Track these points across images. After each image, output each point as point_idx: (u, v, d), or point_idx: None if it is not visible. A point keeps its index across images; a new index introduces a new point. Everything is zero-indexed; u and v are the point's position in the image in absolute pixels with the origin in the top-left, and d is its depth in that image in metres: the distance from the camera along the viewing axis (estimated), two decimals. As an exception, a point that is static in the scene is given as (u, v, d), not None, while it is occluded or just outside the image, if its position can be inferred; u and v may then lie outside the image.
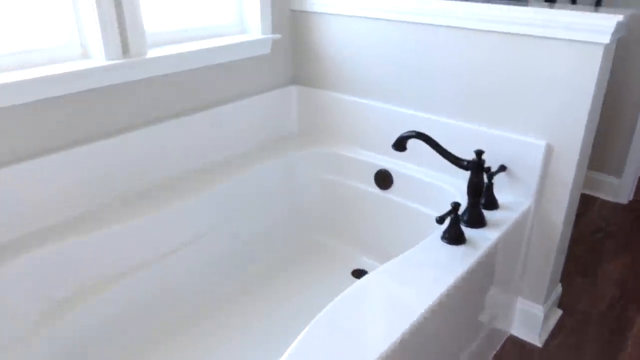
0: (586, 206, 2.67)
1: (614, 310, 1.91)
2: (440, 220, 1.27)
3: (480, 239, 1.33)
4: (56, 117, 1.37)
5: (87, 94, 1.42)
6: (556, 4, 1.66)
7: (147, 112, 1.57)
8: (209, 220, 1.66)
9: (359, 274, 1.85)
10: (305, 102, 2.02)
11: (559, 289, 1.83)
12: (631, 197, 2.73)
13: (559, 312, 1.85)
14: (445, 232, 1.33)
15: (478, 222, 1.39)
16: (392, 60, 1.74)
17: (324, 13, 1.85)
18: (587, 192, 2.78)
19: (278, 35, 1.87)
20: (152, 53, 1.54)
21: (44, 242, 1.32)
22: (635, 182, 2.70)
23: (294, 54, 2.01)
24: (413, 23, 1.65)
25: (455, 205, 1.29)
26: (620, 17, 1.30)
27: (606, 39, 1.33)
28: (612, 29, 1.31)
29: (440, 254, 1.28)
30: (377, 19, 1.73)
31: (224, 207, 1.70)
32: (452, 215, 1.30)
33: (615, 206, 2.68)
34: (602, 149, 2.67)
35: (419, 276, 1.19)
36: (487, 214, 1.47)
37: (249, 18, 1.84)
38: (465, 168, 1.38)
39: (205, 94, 1.73)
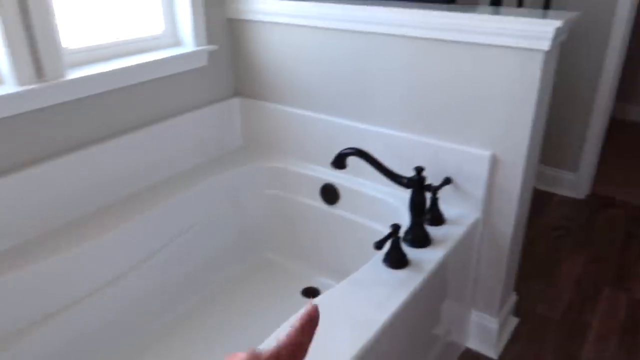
0: (544, 203, 2.65)
1: (571, 314, 1.89)
2: (379, 245, 1.20)
3: (424, 261, 1.28)
4: (-40, 152, 1.25)
5: (1, 123, 1.31)
6: (503, 8, 1.60)
7: (73, 136, 1.46)
8: (149, 246, 1.56)
9: (309, 292, 1.78)
10: (249, 115, 1.93)
11: (513, 297, 1.79)
12: (588, 192, 2.72)
13: (515, 321, 1.82)
14: (386, 255, 1.26)
15: (422, 241, 1.33)
16: (334, 70, 1.67)
17: (262, 22, 1.76)
18: (545, 188, 2.77)
19: (214, 47, 1.77)
20: (72, 74, 1.43)
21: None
22: (592, 177, 2.70)
23: (234, 65, 1.91)
24: (353, 31, 1.57)
25: (395, 228, 1.22)
26: (558, 23, 1.25)
27: (545, 45, 1.28)
28: (551, 35, 1.26)
29: (383, 278, 1.22)
30: (317, 27, 1.65)
31: (164, 231, 1.61)
32: (392, 238, 1.23)
33: (573, 201, 2.68)
34: (557, 145, 2.65)
35: (365, 301, 1.13)
36: (433, 230, 1.41)
37: (181, 29, 1.74)
38: (406, 186, 1.32)
39: (139, 112, 1.62)
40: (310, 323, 0.40)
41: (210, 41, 1.78)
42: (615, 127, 3.61)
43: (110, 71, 1.48)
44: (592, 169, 2.66)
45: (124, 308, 1.52)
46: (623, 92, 3.74)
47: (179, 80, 1.72)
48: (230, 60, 1.90)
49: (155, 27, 1.70)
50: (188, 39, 1.73)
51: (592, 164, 2.63)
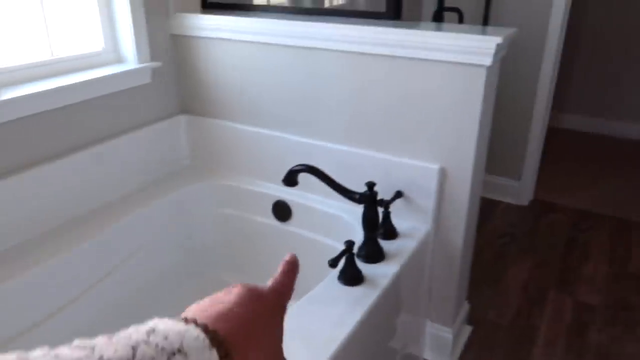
0: (490, 210, 2.73)
1: (519, 319, 1.94)
2: (333, 263, 1.19)
3: (379, 276, 1.27)
4: None
5: None
6: (445, 24, 1.65)
7: (9, 160, 1.37)
8: (94, 273, 1.48)
9: (264, 312, 1.74)
10: (196, 133, 1.88)
11: (466, 306, 1.82)
12: (531, 198, 2.83)
13: (468, 329, 1.85)
14: (341, 272, 1.25)
15: (376, 256, 1.33)
16: (282, 86, 1.65)
17: (207, 37, 1.73)
18: (491, 196, 2.86)
19: (158, 63, 1.72)
20: (7, 94, 1.34)
21: None
22: (534, 184, 2.81)
23: (179, 82, 1.86)
24: (299, 47, 1.57)
25: (349, 245, 1.22)
26: (499, 39, 1.29)
27: (488, 60, 1.31)
28: (492, 51, 1.30)
29: (339, 296, 1.20)
30: (262, 43, 1.63)
31: (110, 256, 1.53)
32: (347, 255, 1.23)
33: (517, 208, 2.78)
34: (501, 154, 2.75)
35: (322, 320, 1.11)
36: (387, 244, 1.41)
37: (123, 46, 1.68)
38: (358, 202, 1.32)
39: (81, 132, 1.55)
40: (291, 267, 0.46)
41: (153, 58, 1.73)
42: (552, 135, 3.79)
43: (47, 90, 1.41)
44: (534, 176, 2.77)
45: (70, 338, 1.42)
46: (557, 101, 3.93)
47: (122, 98, 1.66)
48: (176, 77, 1.85)
49: (96, 43, 1.64)
50: (130, 56, 1.68)
51: (533, 172, 2.74)
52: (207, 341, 0.35)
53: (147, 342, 0.33)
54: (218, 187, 1.80)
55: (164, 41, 1.77)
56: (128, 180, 1.71)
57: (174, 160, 1.88)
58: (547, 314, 1.97)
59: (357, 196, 1.31)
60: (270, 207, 1.73)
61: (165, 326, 0.35)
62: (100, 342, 0.33)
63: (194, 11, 1.77)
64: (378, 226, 1.35)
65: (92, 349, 0.32)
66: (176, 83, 1.86)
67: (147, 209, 1.64)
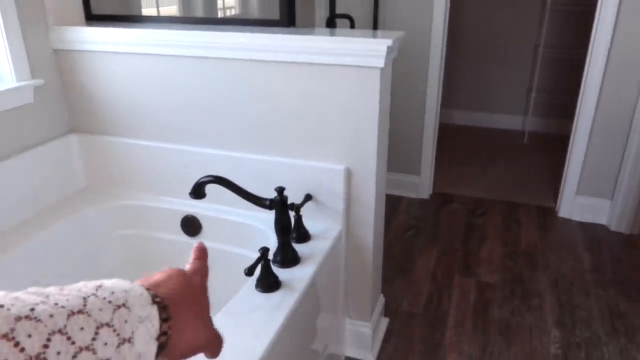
0: (395, 206, 2.86)
1: (431, 305, 2.05)
2: (249, 271, 1.18)
3: (296, 280, 1.28)
4: None
5: None
6: (338, 30, 1.69)
7: None
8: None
9: (181, 333, 1.67)
10: (91, 152, 1.77)
11: (381, 299, 1.89)
12: (431, 192, 3.01)
13: (385, 321, 1.92)
14: (258, 280, 1.24)
15: (292, 260, 1.34)
16: (178, 97, 1.61)
17: (93, 51, 1.64)
18: (394, 192, 2.99)
19: (40, 81, 1.60)
20: None
21: None
22: (432, 178, 2.98)
23: (67, 100, 1.74)
24: (191, 57, 1.54)
25: (264, 251, 1.21)
26: (389, 42, 1.35)
27: (381, 62, 1.38)
28: (384, 53, 1.36)
29: (258, 303, 1.19)
30: (153, 54, 1.58)
31: (7, 288, 1.38)
32: (262, 262, 1.22)
33: (420, 202, 2.93)
34: (400, 152, 2.89)
35: (242, 330, 1.09)
36: (300, 247, 1.42)
37: (-2, 63, 1.54)
38: (269, 207, 1.32)
39: (-51, 162, 1.39)
40: (201, 252, 0.54)
41: (35, 75, 1.60)
42: (445, 132, 4.05)
43: None
44: (431, 171, 2.94)
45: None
46: (447, 99, 4.22)
47: (1, 121, 1.51)
48: (62, 95, 1.73)
49: (-36, 62, 1.48)
50: (7, 74, 1.54)
51: (430, 167, 2.91)
52: (149, 298, 0.41)
53: (95, 295, 0.38)
54: (119, 208, 1.71)
55: (45, 57, 1.64)
56: (18, 208, 1.56)
57: (68, 183, 1.75)
58: (454, 297, 2.09)
59: (268, 202, 1.31)
60: (178, 223, 1.67)
61: (112, 283, 0.40)
62: (53, 291, 0.37)
63: (77, 24, 1.67)
64: (291, 230, 1.36)
65: (47, 296, 0.36)
66: (63, 101, 1.73)
67: (42, 236, 1.51)
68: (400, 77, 2.72)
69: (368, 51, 1.36)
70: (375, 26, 2.53)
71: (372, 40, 1.35)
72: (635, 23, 2.32)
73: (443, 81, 2.82)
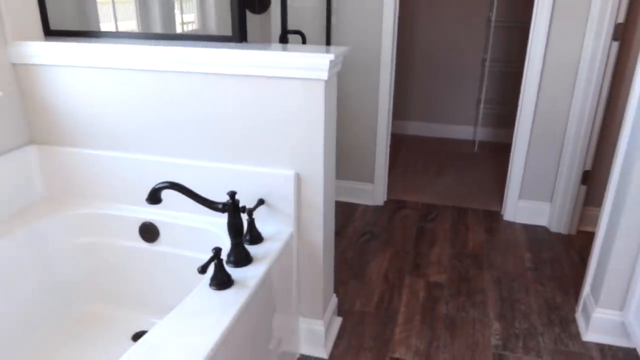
0: (350, 213, 2.98)
1: (383, 304, 2.16)
2: (203, 269, 1.26)
3: (248, 278, 1.37)
4: None
5: None
6: (290, 45, 1.81)
7: None
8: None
9: (139, 337, 1.73)
10: (50, 163, 1.82)
11: (334, 299, 1.99)
12: (385, 198, 3.14)
13: (339, 320, 2.02)
14: (212, 278, 1.32)
15: (244, 260, 1.43)
16: (135, 109, 1.68)
17: (51, 65, 1.70)
18: (350, 200, 3.12)
19: (-1, 94, 1.65)
20: None
21: None
22: (386, 186, 3.12)
23: (26, 113, 1.79)
24: (149, 71, 1.62)
25: (217, 251, 1.30)
26: (332, 56, 1.48)
27: (324, 75, 1.50)
28: (327, 67, 1.48)
29: (211, 300, 1.27)
30: (111, 68, 1.65)
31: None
32: (215, 261, 1.30)
33: (374, 208, 3.06)
34: (354, 161, 3.02)
35: (194, 327, 1.16)
36: (253, 249, 1.52)
37: (-45, 77, 1.58)
38: (222, 211, 1.40)
39: None
40: None
41: (-7, 88, 1.65)
42: (399, 142, 4.23)
43: None
44: (385, 179, 3.08)
45: None
46: (401, 111, 4.41)
47: (-41, 133, 1.56)
48: (22, 108, 1.77)
49: None
50: (-35, 87, 1.58)
51: (384, 175, 3.05)
52: None
53: None
54: (77, 216, 1.76)
55: (4, 71, 1.69)
56: (-27, 219, 1.59)
57: (27, 193, 1.79)
58: (404, 296, 2.22)
59: (220, 206, 1.40)
60: (136, 230, 1.73)
61: None
62: None
63: (35, 39, 1.73)
64: (243, 232, 1.45)
65: None
66: (22, 113, 1.78)
67: (2, 243, 1.55)
68: (353, 90, 2.86)
69: (312, 65, 1.48)
70: (328, 42, 2.66)
71: (315, 55, 1.47)
72: (564, 39, 2.54)
73: (398, 94, 2.98)
